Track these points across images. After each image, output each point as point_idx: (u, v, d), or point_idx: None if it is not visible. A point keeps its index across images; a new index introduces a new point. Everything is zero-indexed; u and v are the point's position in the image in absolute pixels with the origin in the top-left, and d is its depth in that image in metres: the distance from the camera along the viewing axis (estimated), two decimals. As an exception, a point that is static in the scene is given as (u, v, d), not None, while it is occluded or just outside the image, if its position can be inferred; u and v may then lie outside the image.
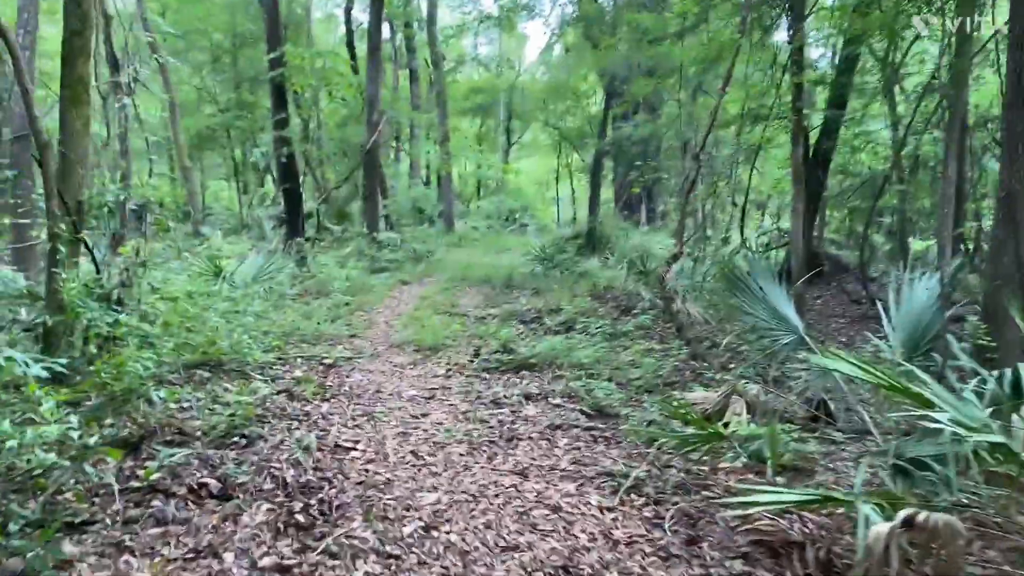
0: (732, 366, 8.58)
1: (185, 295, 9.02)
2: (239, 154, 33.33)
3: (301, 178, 23.57)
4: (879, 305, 6.37)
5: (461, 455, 4.67)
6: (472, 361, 7.26)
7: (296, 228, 17.20)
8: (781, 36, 21.54)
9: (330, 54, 17.44)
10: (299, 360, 6.93)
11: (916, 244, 22.62)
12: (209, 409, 4.93)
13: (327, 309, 9.47)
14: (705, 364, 7.53)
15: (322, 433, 4.94)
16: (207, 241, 16.67)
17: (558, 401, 5.97)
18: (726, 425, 5.90)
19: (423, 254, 16.61)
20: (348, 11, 24.60)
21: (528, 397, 6.05)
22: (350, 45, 23.45)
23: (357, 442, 4.80)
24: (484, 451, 4.77)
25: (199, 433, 4.51)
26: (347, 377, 6.55)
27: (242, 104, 30.80)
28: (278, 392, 5.72)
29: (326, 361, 7.00)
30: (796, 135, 12.17)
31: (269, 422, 5.02)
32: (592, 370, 6.86)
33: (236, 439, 4.53)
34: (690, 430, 4.69)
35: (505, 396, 6.04)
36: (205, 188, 41.83)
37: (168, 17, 28.82)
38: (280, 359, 6.85)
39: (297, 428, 4.99)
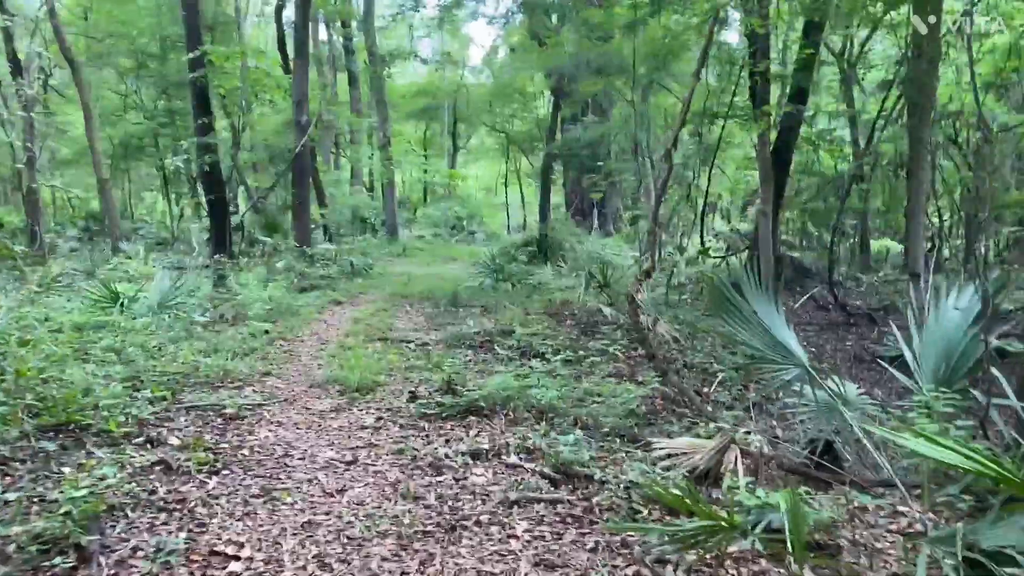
0: (709, 391, 7.52)
1: (72, 329, 7.65)
2: (169, 163, 31.46)
3: (233, 188, 22.05)
4: (894, 328, 5.35)
5: (384, 560, 3.43)
6: (409, 404, 6.02)
7: (222, 242, 15.72)
8: (733, 37, 20.82)
9: (256, 53, 16.00)
10: (191, 413, 5.59)
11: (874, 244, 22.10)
12: (35, 505, 3.62)
13: (240, 340, 8.11)
14: (683, 397, 6.43)
15: (197, 530, 3.66)
16: (123, 259, 15.08)
17: (513, 460, 4.77)
18: (718, 481, 4.82)
19: (361, 268, 15.28)
20: (279, 10, 23.12)
21: (476, 456, 4.84)
22: (282, 47, 21.99)
23: (242, 545, 3.52)
24: (416, 550, 3.54)
25: (11, 548, 3.20)
26: (249, 435, 5.25)
27: (170, 111, 29.00)
28: (151, 465, 4.40)
29: (226, 412, 5.68)
30: (764, 131, 11.24)
31: (126, 516, 3.71)
32: (552, 413, 5.69)
33: (64, 554, 3.22)
34: (690, 520, 3.54)
35: (448, 455, 4.81)
36: (140, 200, 39.68)
37: (90, 20, 26.97)
38: (167, 412, 5.51)
39: (164, 524, 3.70)
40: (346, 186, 30.96)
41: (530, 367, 7.22)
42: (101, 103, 31.54)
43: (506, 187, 45.31)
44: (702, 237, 16.79)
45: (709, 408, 6.68)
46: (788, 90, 14.87)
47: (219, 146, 16.06)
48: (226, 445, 4.96)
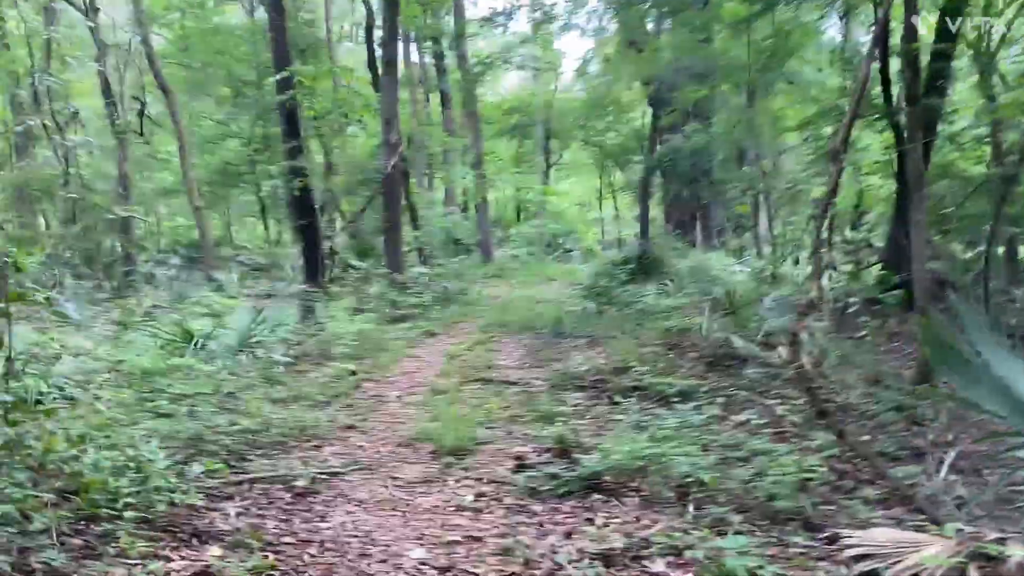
0: (871, 439, 6.09)
1: (139, 376, 6.92)
2: (266, 190, 31.68)
3: (330, 212, 21.66)
4: None
5: None
6: (515, 472, 4.89)
7: (313, 269, 15.10)
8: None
9: (344, 71, 15.41)
10: (254, 488, 4.62)
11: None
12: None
13: (322, 384, 7.19)
14: (867, 462, 5.05)
15: None
16: (208, 292, 14.58)
17: (660, 569, 3.56)
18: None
19: (455, 293, 14.30)
20: (369, 29, 22.68)
21: (609, 561, 3.64)
22: (372, 66, 21.49)
23: None
24: None
25: None
26: (321, 521, 4.22)
27: (266, 137, 29.16)
28: (190, 576, 3.41)
29: (297, 484, 4.69)
30: (913, 128, 9.64)
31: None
32: (700, 489, 4.44)
33: None
34: None
35: (571, 562, 3.63)
36: (243, 226, 40.29)
37: (189, 51, 27.39)
38: (225, 489, 4.55)
39: None
40: (439, 207, 30.36)
41: (655, 417, 5.98)
42: (200, 131, 32.20)
43: (600, 202, 44.00)
44: (830, 248, 15.05)
45: (879, 462, 5.28)
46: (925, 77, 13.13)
47: (309, 170, 15.51)
48: (290, 539, 3.92)
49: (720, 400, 6.44)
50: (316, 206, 15.74)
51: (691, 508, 4.20)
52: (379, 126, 18.12)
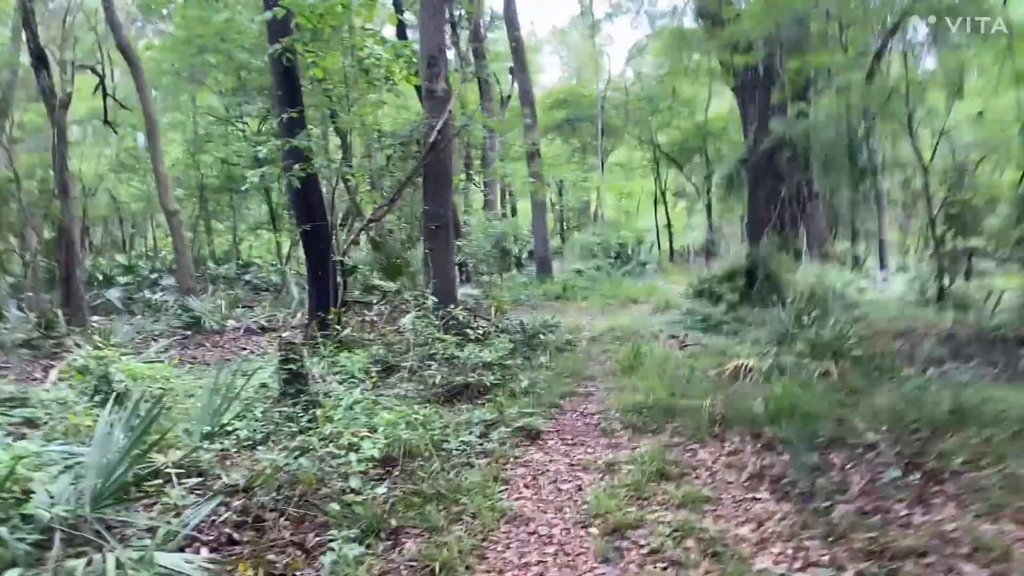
0: None
1: None
2: (276, 194, 26.88)
3: (346, 220, 16.91)
4: None
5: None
6: None
7: (323, 293, 10.11)
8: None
9: (358, 4, 10.38)
10: None
11: None
12: None
13: None
14: None
15: None
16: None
17: None
18: None
19: (537, 332, 9.09)
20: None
21: None
22: (398, 10, 16.81)
23: None
24: None
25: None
26: None
27: (276, 134, 24.43)
28: None
29: None
30: None
31: None
32: None
33: None
34: None
35: None
36: (257, 237, 35.36)
37: (190, 32, 22.80)
38: None
39: None
40: (481, 213, 25.38)
41: None
42: (200, 129, 27.59)
43: (656, 207, 38.99)
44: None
45: None
46: None
47: (313, 151, 10.48)
48: None
49: None
50: (326, 204, 10.82)
51: None
52: (401, 81, 13.04)
